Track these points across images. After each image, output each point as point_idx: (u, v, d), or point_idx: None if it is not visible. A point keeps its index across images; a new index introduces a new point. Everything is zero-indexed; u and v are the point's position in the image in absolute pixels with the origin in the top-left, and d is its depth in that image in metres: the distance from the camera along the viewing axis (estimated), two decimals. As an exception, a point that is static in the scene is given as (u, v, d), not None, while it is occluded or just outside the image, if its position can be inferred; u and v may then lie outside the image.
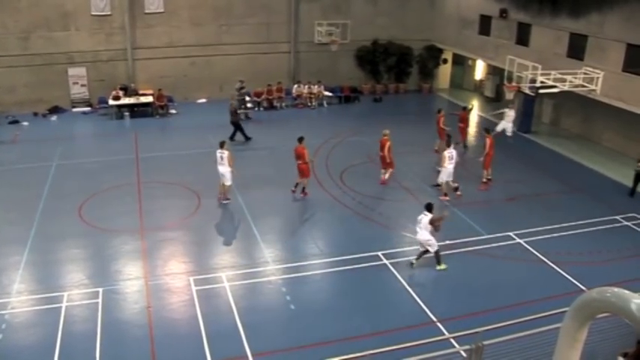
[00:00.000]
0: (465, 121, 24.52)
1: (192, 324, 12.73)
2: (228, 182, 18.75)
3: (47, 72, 28.25)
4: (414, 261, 15.32)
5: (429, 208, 15.02)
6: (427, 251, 15.17)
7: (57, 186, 20.00)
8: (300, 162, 19.28)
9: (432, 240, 14.99)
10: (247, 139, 25.42)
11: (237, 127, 25.24)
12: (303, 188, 19.54)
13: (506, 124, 24.91)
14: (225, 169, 18.61)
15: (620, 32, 22.17)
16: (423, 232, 14.93)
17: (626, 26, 21.90)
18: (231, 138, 24.50)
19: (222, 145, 18.75)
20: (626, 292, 2.56)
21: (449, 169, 19.04)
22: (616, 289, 2.60)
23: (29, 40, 27.65)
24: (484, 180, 20.80)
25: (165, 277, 14.60)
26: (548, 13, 25.33)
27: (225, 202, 18.86)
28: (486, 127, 22.92)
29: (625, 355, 4.79)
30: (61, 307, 13.13)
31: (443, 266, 15.19)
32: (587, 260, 15.86)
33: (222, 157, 18.58)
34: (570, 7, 24.09)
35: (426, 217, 14.84)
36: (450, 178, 19.30)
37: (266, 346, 12.06)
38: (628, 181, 21.33)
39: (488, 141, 20.41)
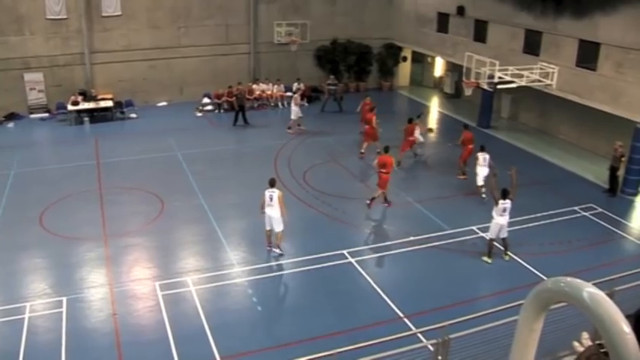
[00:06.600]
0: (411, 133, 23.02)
1: (159, 329, 12.65)
2: (280, 227, 15.63)
3: (2, 78, 27.56)
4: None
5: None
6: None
7: (16, 195, 19.58)
8: (382, 171, 18.44)
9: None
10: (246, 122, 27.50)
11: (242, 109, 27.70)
12: (373, 198, 18.62)
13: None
14: (275, 212, 15.43)
15: (573, 28, 22.70)
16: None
17: (577, 23, 22.43)
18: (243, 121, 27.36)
19: (272, 184, 15.57)
20: (579, 281, 2.66)
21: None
22: (569, 279, 2.70)
23: (-18, 46, 27.02)
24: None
25: (130, 283, 14.46)
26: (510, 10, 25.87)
27: (277, 251, 15.96)
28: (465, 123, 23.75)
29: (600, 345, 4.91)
30: (23, 318, 12.89)
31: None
32: (548, 251, 16.23)
33: (271, 198, 15.35)
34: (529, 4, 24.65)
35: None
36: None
37: (234, 348, 12.07)
38: (584, 173, 21.92)
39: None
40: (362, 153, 23.25)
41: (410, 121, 22.85)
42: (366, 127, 23.28)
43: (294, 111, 26.06)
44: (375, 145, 22.80)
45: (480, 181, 19.73)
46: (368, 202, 18.60)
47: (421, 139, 23.62)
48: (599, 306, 2.48)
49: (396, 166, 20.64)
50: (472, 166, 20.34)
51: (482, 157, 19.66)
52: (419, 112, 25.86)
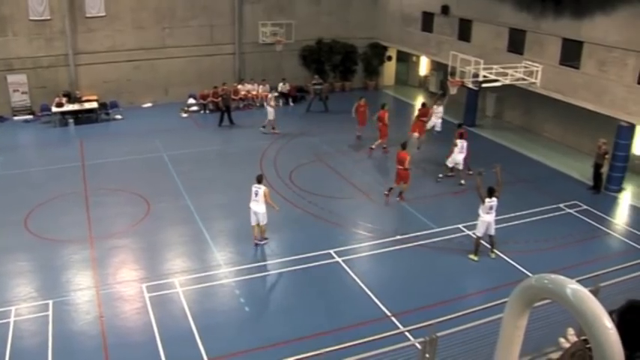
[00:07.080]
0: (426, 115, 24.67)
1: (146, 331, 12.60)
2: (264, 221, 16.06)
3: (-16, 80, 27.39)
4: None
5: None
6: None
7: (0, 197, 19.41)
8: (400, 167, 18.95)
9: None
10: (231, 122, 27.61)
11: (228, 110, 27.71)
12: (401, 192, 19.31)
13: (436, 120, 25.31)
14: (259, 208, 15.86)
15: (556, 27, 22.87)
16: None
17: (561, 22, 22.61)
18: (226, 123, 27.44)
19: (259, 180, 16.01)
20: (563, 277, 2.69)
21: None
22: (553, 276, 2.73)
23: (-37, 48, 26.74)
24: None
25: (116, 285, 14.39)
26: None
27: (262, 242, 16.42)
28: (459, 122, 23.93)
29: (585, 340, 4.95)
30: (9, 322, 12.79)
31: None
32: (534, 248, 16.36)
33: (256, 193, 15.81)
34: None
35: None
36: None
37: (222, 349, 12.06)
38: (569, 170, 22.09)
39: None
40: (385, 148, 23.76)
41: (424, 105, 24.88)
42: (379, 125, 23.54)
43: (270, 112, 26.18)
44: (381, 143, 23.40)
45: (449, 163, 20.94)
46: (397, 198, 19.26)
47: (438, 127, 25.21)
48: (582, 302, 2.50)
49: (417, 149, 23.26)
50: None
51: (461, 145, 20.70)
52: (441, 92, 27.67)
